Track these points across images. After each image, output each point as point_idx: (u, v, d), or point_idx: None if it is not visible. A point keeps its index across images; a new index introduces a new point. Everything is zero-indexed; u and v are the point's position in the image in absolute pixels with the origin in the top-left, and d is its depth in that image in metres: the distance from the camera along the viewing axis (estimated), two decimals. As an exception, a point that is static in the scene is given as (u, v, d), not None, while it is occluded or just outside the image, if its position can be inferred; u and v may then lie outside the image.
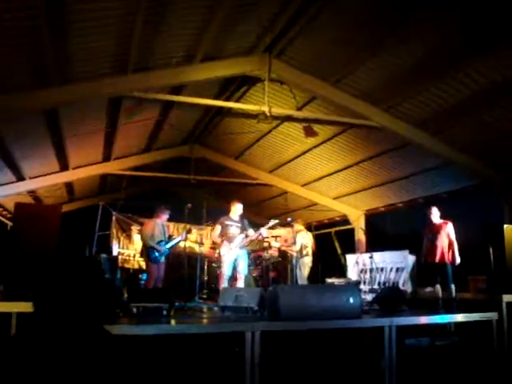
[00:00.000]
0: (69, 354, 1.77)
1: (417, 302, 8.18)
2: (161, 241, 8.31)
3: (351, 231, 12.61)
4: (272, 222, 8.23)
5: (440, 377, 5.54)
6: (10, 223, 11.30)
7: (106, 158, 10.64)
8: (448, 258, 7.15)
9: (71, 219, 10.26)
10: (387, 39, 6.23)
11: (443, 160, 8.70)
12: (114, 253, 11.88)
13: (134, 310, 5.25)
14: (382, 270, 9.86)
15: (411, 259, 9.33)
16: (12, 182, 9.95)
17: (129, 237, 12.85)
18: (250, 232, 8.04)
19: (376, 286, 9.71)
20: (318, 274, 10.87)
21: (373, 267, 9.62)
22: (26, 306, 4.60)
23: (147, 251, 8.26)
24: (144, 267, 9.57)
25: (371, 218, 12.36)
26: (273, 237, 11.28)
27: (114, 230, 12.62)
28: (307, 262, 9.86)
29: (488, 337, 6.24)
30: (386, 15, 5.88)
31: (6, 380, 1.69)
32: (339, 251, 12.76)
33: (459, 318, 6.25)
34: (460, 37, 5.85)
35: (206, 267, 10.17)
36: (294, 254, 9.80)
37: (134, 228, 12.68)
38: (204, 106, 8.80)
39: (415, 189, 10.42)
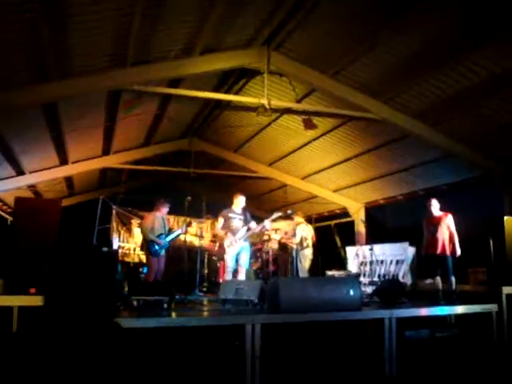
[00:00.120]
0: (82, 346, 1.78)
1: (417, 294, 8.21)
2: (161, 234, 8.30)
3: (351, 224, 12.63)
4: (276, 215, 8.09)
5: (440, 368, 5.58)
6: (10, 218, 11.32)
7: (106, 151, 10.62)
8: (449, 250, 7.16)
9: (71, 213, 10.23)
10: (385, 31, 6.19)
11: (443, 152, 8.67)
12: (115, 246, 11.89)
13: (135, 303, 5.27)
14: (382, 262, 9.87)
15: (411, 251, 9.34)
16: (12, 177, 9.95)
17: (129, 230, 12.89)
18: (253, 224, 7.95)
19: (376, 279, 9.72)
20: (318, 267, 10.89)
21: (373, 259, 9.61)
22: (27, 300, 4.63)
23: (147, 244, 8.27)
24: (144, 260, 9.60)
25: (371, 211, 12.37)
26: (273, 229, 11.24)
27: (114, 224, 12.67)
28: (308, 254, 9.88)
29: (488, 329, 6.27)
30: (384, 7, 5.85)
31: (19, 371, 1.70)
32: (339, 244, 12.76)
33: (459, 309, 6.29)
34: (460, 28, 5.82)
35: (206, 260, 10.17)
36: (294, 247, 9.82)
37: (134, 221, 12.73)
38: (203, 99, 8.78)
39: (415, 181, 10.40)
